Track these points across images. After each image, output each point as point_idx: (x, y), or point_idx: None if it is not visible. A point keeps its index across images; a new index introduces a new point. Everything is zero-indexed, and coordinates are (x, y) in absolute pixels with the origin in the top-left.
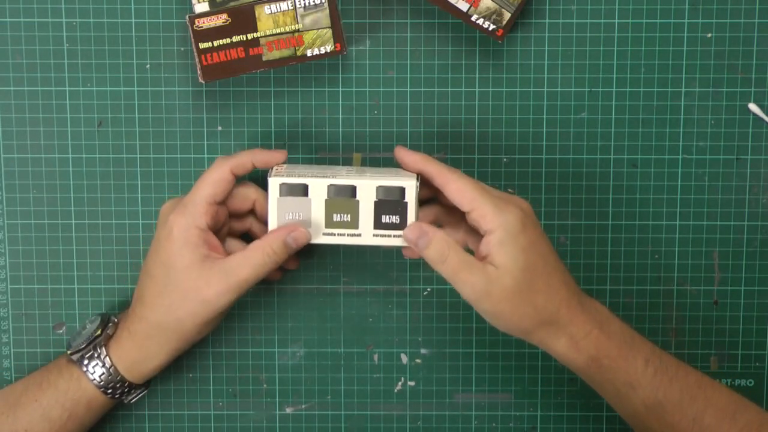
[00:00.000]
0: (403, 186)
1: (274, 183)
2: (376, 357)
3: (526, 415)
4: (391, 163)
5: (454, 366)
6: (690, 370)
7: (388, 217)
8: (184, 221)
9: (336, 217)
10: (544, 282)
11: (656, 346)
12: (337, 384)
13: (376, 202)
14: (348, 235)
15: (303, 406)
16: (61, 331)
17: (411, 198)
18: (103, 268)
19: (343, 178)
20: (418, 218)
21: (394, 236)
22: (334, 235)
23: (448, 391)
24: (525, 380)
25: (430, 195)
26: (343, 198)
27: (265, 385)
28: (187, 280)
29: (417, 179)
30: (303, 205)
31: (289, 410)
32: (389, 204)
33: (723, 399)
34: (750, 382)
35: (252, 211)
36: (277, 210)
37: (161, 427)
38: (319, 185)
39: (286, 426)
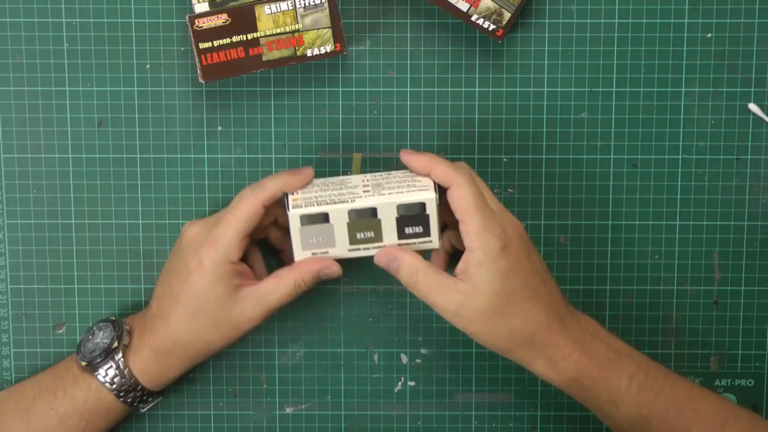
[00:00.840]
0: (424, 201)
1: (294, 216)
2: (376, 357)
3: (526, 415)
4: (391, 163)
5: (454, 366)
6: (678, 383)
7: (411, 228)
8: (217, 257)
9: (360, 235)
10: (520, 307)
11: (645, 357)
12: (337, 384)
13: (397, 218)
14: (373, 248)
15: (303, 406)
16: (61, 331)
17: (432, 210)
18: (103, 268)
19: (362, 199)
20: (440, 221)
21: (419, 243)
22: (360, 249)
23: (448, 391)
24: (525, 380)
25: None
26: (364, 219)
27: (265, 385)
28: (220, 310)
29: (435, 189)
30: (325, 230)
31: (289, 410)
32: (411, 218)
33: (712, 410)
34: (750, 382)
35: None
36: (300, 239)
37: (161, 427)
38: (339, 211)
39: (286, 426)
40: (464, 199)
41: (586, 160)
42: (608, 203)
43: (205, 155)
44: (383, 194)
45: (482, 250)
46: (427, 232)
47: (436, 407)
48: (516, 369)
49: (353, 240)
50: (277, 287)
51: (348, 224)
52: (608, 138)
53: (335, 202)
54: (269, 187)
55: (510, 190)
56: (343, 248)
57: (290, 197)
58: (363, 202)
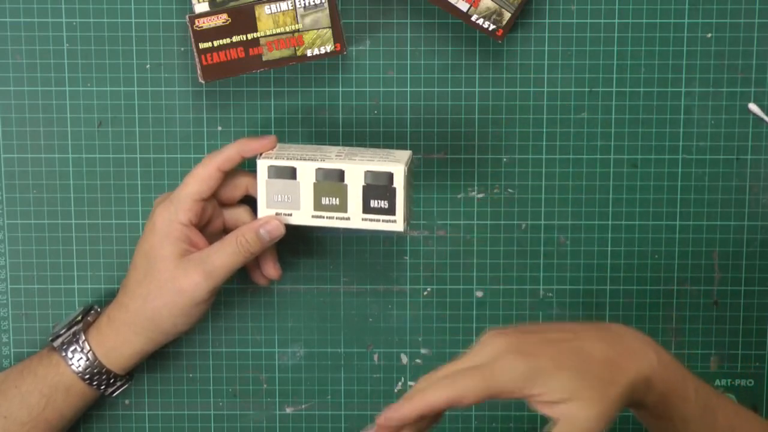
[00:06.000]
0: (392, 171)
1: (262, 165)
2: (376, 357)
3: (526, 415)
4: None
5: None
6: (724, 397)
7: (376, 201)
8: (168, 215)
9: (324, 201)
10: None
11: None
12: (337, 384)
13: (364, 187)
14: (337, 218)
15: (303, 406)
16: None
17: (399, 183)
18: (103, 268)
19: (332, 161)
20: (406, 202)
21: (383, 221)
22: (323, 217)
23: None
24: None
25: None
26: (331, 182)
27: (265, 385)
28: (165, 271)
29: (406, 164)
30: (291, 187)
31: (289, 410)
32: (378, 189)
33: (757, 426)
34: (750, 382)
35: (243, 201)
36: (266, 192)
37: (161, 427)
38: (307, 168)
39: (286, 426)
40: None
41: (586, 160)
42: (608, 203)
43: (205, 155)
44: (354, 160)
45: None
46: (392, 210)
47: None
48: None
49: (318, 205)
50: (220, 247)
51: (314, 185)
52: (608, 138)
53: (305, 159)
54: (226, 152)
55: (510, 190)
56: (307, 212)
57: (264, 153)
58: (332, 164)
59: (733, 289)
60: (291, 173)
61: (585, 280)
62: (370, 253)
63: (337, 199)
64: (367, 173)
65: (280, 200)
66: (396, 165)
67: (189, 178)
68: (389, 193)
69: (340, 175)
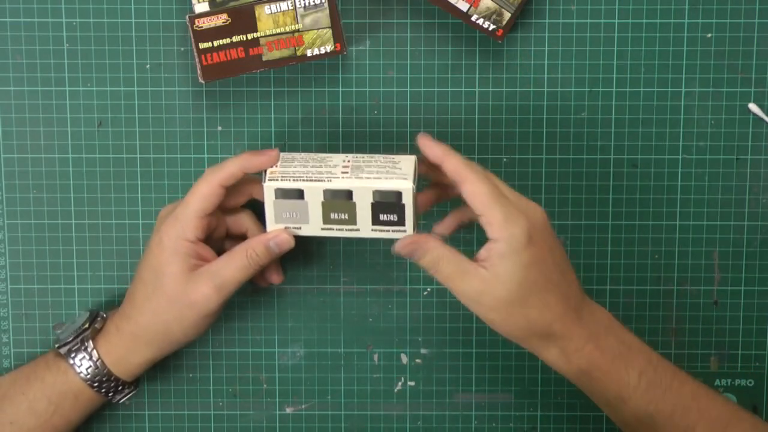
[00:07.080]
0: (400, 190)
1: (269, 188)
2: (376, 357)
3: (526, 415)
4: None
5: (454, 366)
6: (686, 380)
7: (385, 215)
8: (174, 233)
9: (333, 216)
10: (539, 298)
11: (654, 353)
12: (337, 384)
13: (372, 204)
14: (346, 230)
15: (303, 406)
16: (60, 332)
17: (408, 200)
18: (103, 268)
19: (339, 180)
20: (416, 211)
21: (393, 231)
22: (333, 230)
23: (448, 391)
24: (525, 380)
25: (428, 171)
26: (339, 200)
27: (265, 385)
28: (175, 286)
29: (413, 180)
30: (299, 206)
31: (289, 410)
32: (386, 205)
33: (716, 410)
34: (750, 382)
35: (247, 204)
36: (274, 211)
37: (161, 427)
38: (314, 190)
39: (286, 426)
40: (479, 192)
41: (586, 160)
42: (608, 203)
43: (205, 155)
44: (361, 177)
45: (506, 242)
46: (401, 222)
47: (436, 407)
48: (516, 369)
49: (327, 219)
50: (230, 260)
51: (323, 203)
52: (608, 138)
53: (311, 180)
54: (228, 168)
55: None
56: (316, 226)
57: (269, 170)
58: (339, 184)
59: (733, 289)
60: (298, 194)
61: (585, 279)
62: (370, 253)
63: (346, 215)
64: (376, 192)
65: (288, 217)
66: (403, 181)
67: (192, 196)
68: (398, 208)
69: (348, 194)
